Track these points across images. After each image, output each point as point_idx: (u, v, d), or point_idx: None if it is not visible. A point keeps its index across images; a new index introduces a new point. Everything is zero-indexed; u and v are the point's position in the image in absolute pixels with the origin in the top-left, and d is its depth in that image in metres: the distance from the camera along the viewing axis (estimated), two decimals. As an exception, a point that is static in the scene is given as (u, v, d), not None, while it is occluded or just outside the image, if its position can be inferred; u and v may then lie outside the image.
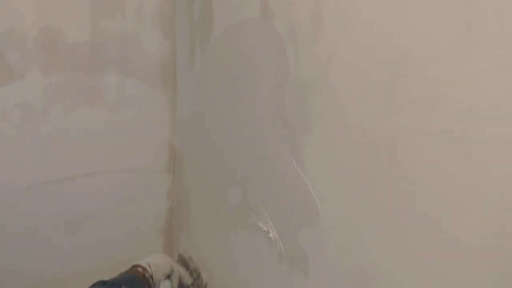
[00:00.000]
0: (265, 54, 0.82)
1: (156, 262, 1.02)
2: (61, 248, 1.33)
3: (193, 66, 1.22)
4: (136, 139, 1.36)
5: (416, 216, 0.49)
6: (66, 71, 1.28)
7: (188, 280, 1.01)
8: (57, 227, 1.32)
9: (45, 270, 1.33)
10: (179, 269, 1.07)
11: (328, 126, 0.63)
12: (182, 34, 1.30)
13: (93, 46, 1.28)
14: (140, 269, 1.00)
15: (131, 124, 1.35)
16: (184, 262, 1.14)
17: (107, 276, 1.37)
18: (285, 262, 0.76)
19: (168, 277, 1.04)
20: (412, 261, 0.50)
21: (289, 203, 0.75)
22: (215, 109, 1.08)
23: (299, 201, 0.72)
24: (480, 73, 0.43)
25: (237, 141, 0.95)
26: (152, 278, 0.98)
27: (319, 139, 0.66)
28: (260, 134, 0.86)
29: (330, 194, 0.64)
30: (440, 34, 0.44)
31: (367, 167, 0.56)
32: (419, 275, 0.49)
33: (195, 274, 1.06)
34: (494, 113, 0.42)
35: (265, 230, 0.82)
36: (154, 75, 1.35)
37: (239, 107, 0.94)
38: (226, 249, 0.98)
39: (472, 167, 0.44)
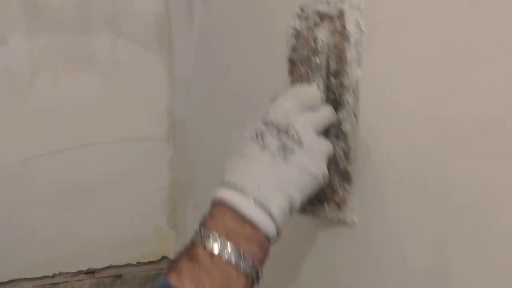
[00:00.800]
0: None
1: None
2: (58, 225, 1.23)
3: (192, 22, 1.13)
4: (131, 105, 1.27)
5: None
6: (53, 34, 1.17)
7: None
8: (52, 203, 1.23)
9: (42, 249, 1.23)
10: None
11: (387, 49, 0.56)
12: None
13: (80, 4, 1.18)
14: None
15: (125, 89, 1.26)
16: None
17: (108, 254, 1.29)
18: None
19: None
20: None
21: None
22: (228, 63, 0.99)
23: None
24: None
25: (259, 91, 0.87)
26: None
27: (374, 68, 0.58)
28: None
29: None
30: None
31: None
32: None
33: None
34: None
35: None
36: (147, 35, 1.25)
37: (259, 55, 0.86)
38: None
39: None
